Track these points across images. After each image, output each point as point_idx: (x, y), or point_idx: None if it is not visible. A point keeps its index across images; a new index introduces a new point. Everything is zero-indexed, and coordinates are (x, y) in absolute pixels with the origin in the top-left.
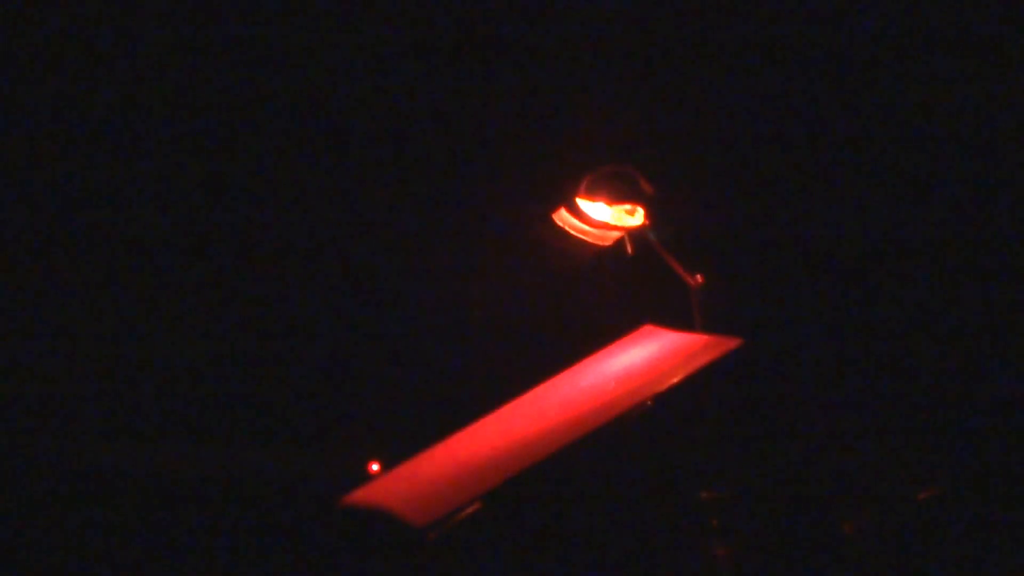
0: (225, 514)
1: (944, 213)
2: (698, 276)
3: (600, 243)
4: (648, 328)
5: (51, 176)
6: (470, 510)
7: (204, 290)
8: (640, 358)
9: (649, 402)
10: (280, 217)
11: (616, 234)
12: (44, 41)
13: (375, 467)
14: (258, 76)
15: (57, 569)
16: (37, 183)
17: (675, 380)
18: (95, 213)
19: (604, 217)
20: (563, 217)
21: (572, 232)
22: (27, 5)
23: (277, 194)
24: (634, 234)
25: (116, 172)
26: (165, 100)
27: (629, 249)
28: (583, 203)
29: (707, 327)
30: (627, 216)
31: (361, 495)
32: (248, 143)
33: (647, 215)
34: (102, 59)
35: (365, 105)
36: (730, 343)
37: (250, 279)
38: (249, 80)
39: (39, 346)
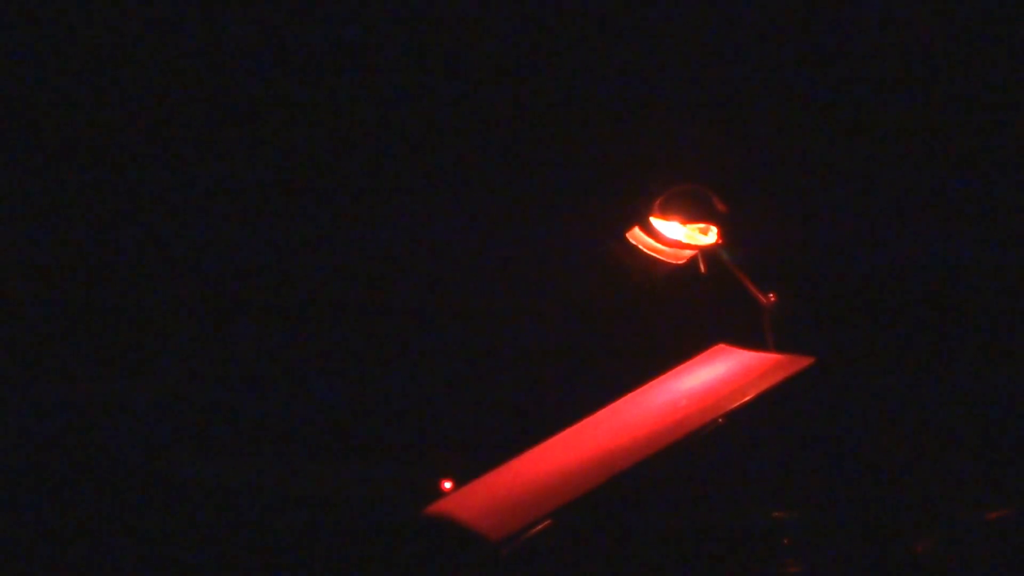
0: (301, 529)
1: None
2: (771, 295)
3: (673, 262)
4: (721, 347)
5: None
6: (543, 526)
7: (277, 304)
8: (713, 376)
9: (721, 420)
10: (358, 232)
11: (689, 253)
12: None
13: (447, 485)
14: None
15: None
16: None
17: (747, 398)
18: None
19: (678, 236)
20: (637, 236)
21: (646, 251)
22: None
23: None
24: (707, 253)
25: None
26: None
27: (702, 268)
28: (657, 222)
29: (780, 346)
30: (700, 235)
31: (438, 507)
32: (321, 136)
33: (720, 234)
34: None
35: (448, 114)
36: (803, 362)
37: (325, 295)
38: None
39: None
